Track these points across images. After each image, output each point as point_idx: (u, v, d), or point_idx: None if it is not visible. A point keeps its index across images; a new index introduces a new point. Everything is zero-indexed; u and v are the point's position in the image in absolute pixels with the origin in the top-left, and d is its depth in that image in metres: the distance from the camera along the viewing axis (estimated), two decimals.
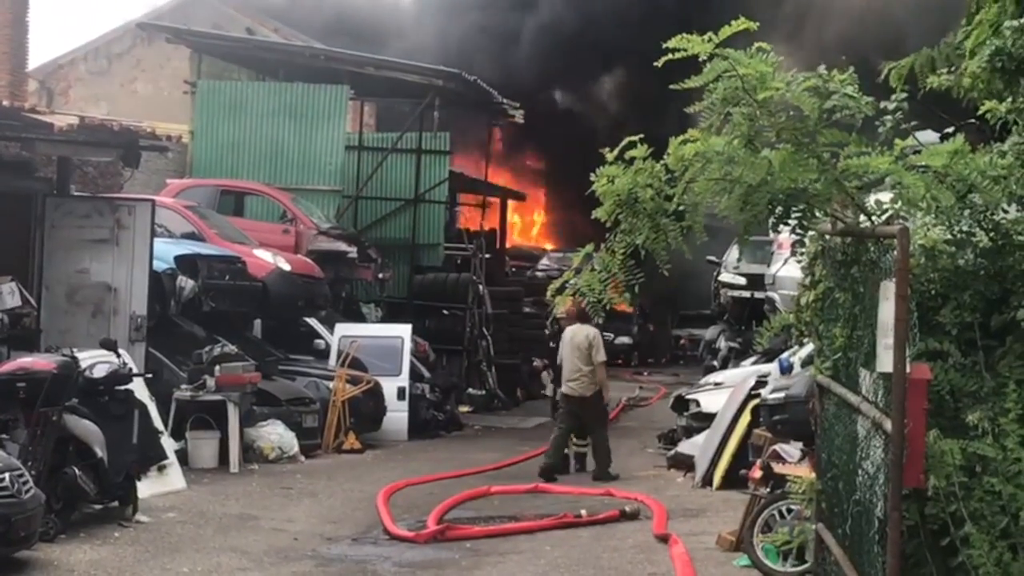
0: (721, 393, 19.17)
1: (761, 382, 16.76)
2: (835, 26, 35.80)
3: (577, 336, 19.00)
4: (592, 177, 8.41)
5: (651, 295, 36.92)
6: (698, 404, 20.03)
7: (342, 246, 25.71)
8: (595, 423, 19.06)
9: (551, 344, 19.31)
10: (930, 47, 12.29)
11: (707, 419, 18.87)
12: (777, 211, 8.02)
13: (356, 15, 43.02)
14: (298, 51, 31.67)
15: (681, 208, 8.24)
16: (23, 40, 27.68)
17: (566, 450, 19.16)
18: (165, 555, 12.93)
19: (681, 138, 8.15)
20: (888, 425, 6.98)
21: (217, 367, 18.65)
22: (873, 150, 7.89)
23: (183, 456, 17.73)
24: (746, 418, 16.73)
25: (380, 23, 42.78)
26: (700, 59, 7.96)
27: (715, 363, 29.09)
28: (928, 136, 9.71)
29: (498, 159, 41.17)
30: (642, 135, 8.46)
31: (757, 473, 13.10)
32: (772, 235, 20.47)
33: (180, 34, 30.90)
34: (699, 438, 18.81)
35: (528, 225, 49.59)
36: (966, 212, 7.85)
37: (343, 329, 23.77)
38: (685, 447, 19.34)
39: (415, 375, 23.81)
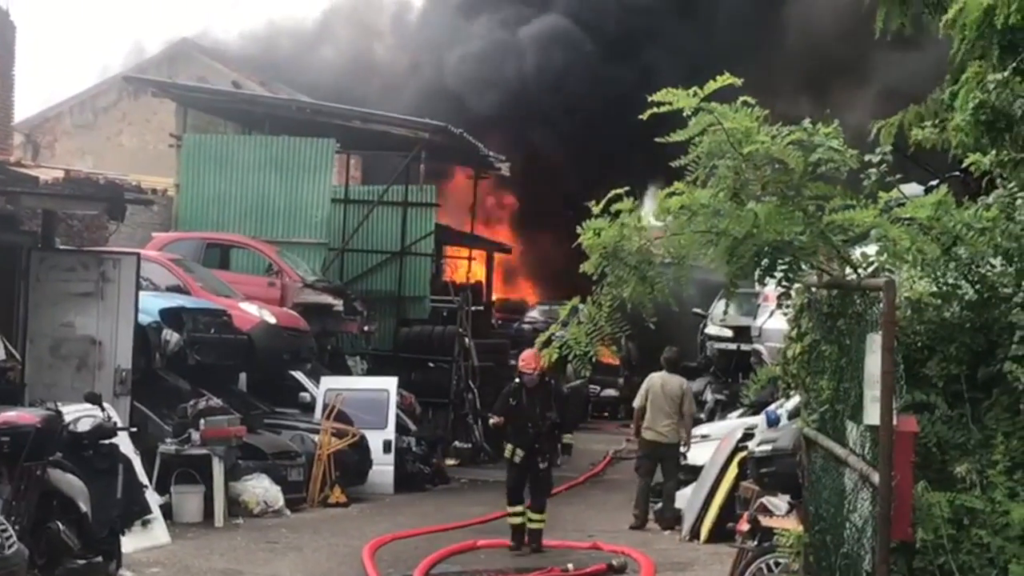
0: (708, 445, 19.14)
1: (748, 434, 16.75)
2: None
3: (669, 385, 19.60)
4: (579, 230, 8.42)
5: (637, 347, 36.84)
6: (685, 457, 19.98)
7: (328, 299, 25.68)
8: (674, 470, 19.47)
9: (511, 401, 17.46)
10: (917, 104, 12.38)
11: (694, 472, 18.83)
12: (763, 263, 8.04)
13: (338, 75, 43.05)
14: (284, 104, 31.76)
15: (667, 261, 8.26)
16: (8, 94, 27.75)
17: (518, 521, 17.33)
18: None
19: (667, 191, 8.17)
20: (875, 478, 6.97)
21: (202, 421, 18.60)
22: (858, 203, 7.91)
23: (167, 510, 17.64)
24: (733, 470, 16.71)
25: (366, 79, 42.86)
26: (685, 114, 8.00)
27: (702, 415, 29.05)
28: (913, 189, 9.75)
29: (485, 212, 41.21)
30: (627, 188, 8.48)
31: (744, 526, 13.05)
32: (758, 287, 20.55)
33: (166, 88, 30.99)
34: (686, 491, 18.76)
35: (515, 277, 49.54)
36: (952, 264, 7.88)
37: (329, 382, 23.70)
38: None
39: (401, 428, 23.72)
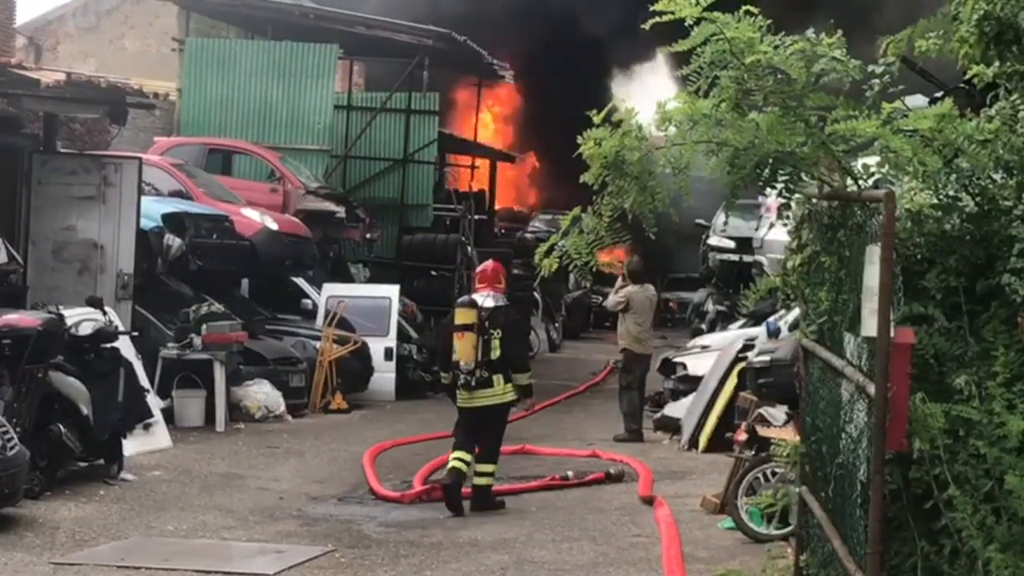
0: (708, 356, 19.19)
1: (748, 345, 16.79)
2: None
3: (650, 294, 19.42)
4: (580, 140, 8.39)
5: (639, 258, 36.99)
6: (685, 367, 20.04)
7: (330, 206, 25.66)
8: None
9: (485, 323, 13.59)
10: (927, 19, 12.26)
11: (694, 382, 18.89)
12: (764, 174, 8.01)
13: None
14: (287, 9, 31.48)
15: (668, 171, 8.23)
16: None
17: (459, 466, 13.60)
18: (150, 513, 12.95)
19: (668, 100, 8.13)
20: (872, 389, 6.99)
21: (204, 326, 18.65)
22: (861, 114, 7.88)
23: (169, 415, 17.74)
24: (732, 381, 16.76)
25: None
26: (687, 23, 7.94)
27: (702, 326, 29.15)
28: (916, 101, 9.70)
29: (488, 120, 41.08)
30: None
31: (742, 436, 13.15)
32: (760, 198, 20.50)
33: None
34: (685, 401, 18.84)
35: (518, 187, 49.47)
36: (952, 177, 7.85)
37: (331, 289, 23.74)
38: (671, 410, 19.38)
39: (402, 336, 23.79)
